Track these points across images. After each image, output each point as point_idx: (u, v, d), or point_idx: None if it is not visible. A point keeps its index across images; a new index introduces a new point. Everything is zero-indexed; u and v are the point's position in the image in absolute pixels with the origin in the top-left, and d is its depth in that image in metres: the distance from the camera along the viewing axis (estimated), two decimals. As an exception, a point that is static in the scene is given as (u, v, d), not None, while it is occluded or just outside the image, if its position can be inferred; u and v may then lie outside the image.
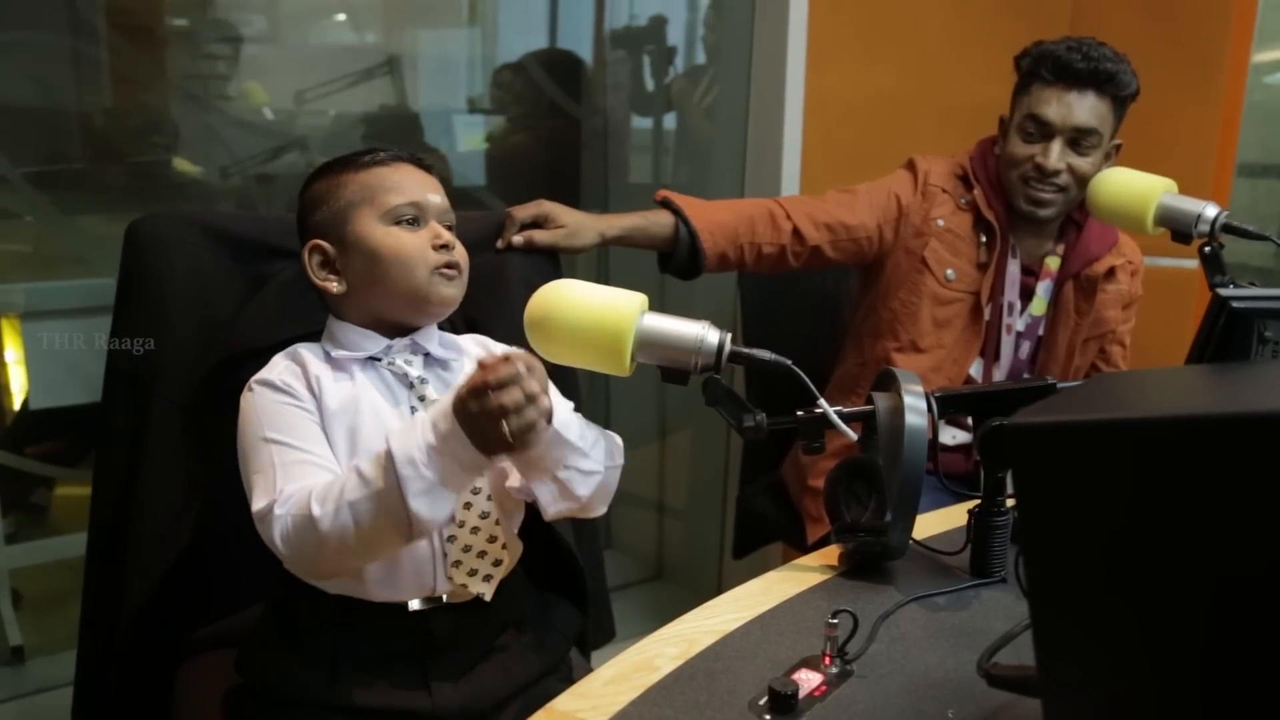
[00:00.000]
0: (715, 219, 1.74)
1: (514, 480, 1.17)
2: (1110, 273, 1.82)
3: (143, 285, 1.33)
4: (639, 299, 1.02)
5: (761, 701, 0.86)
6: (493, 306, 1.41)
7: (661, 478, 2.89)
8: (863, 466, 1.16)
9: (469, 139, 2.60)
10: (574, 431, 1.07)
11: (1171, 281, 2.31)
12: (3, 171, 1.94)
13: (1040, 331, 1.85)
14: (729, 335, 1.02)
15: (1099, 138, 1.71)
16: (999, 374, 1.83)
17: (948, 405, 1.14)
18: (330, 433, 1.10)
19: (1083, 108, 1.69)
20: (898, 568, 1.12)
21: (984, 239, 1.79)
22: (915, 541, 1.14)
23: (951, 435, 1.85)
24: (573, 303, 1.02)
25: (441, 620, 1.15)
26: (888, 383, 1.12)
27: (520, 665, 1.21)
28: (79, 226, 2.09)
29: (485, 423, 0.94)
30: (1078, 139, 1.71)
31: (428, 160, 1.21)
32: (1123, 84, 1.70)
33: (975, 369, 1.83)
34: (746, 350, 1.03)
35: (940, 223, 1.79)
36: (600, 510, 1.19)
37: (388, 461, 0.96)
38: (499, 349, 1.23)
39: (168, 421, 1.31)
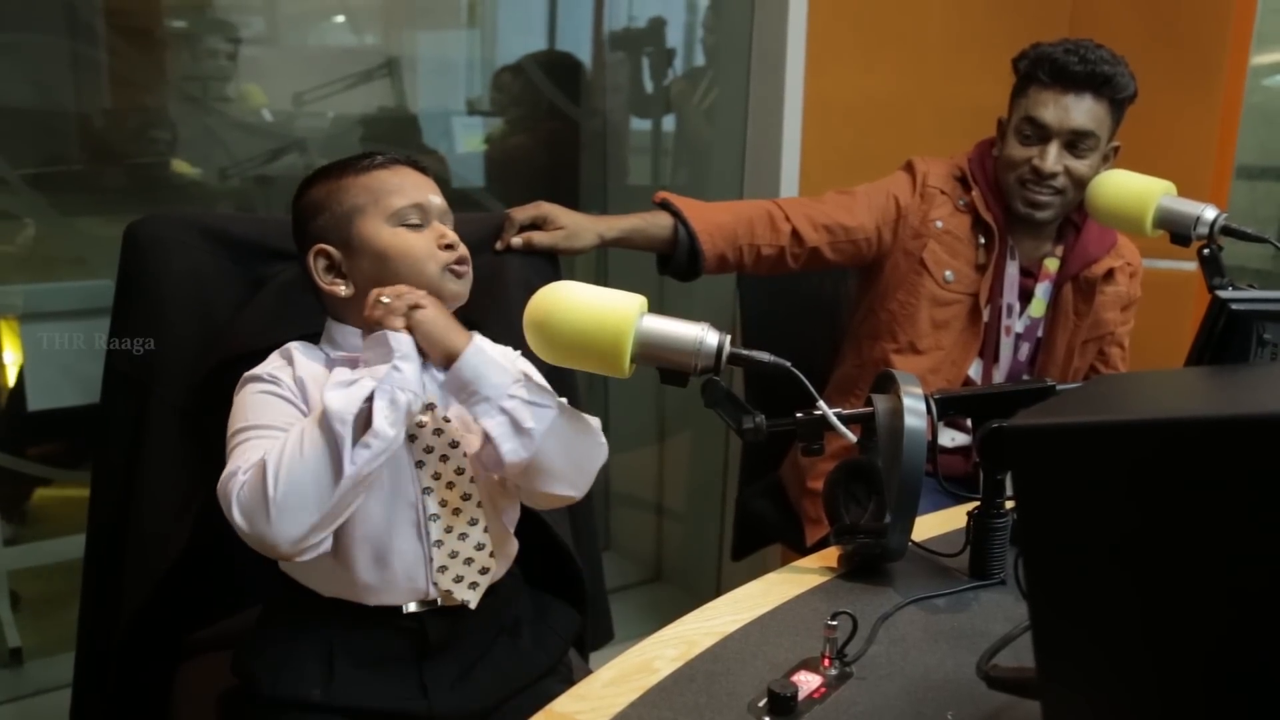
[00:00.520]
0: (714, 220, 1.74)
1: (475, 439, 1.13)
2: (1109, 274, 1.82)
3: (141, 287, 1.33)
4: (638, 301, 1.02)
5: (761, 703, 0.86)
6: (491, 308, 1.41)
7: (660, 479, 2.88)
8: (862, 468, 1.16)
9: (468, 141, 2.60)
10: (495, 367, 1.05)
11: (1170, 284, 2.32)
12: (1, 173, 1.93)
13: (1039, 333, 1.85)
14: (728, 337, 1.02)
15: (1096, 140, 1.71)
16: (998, 376, 1.83)
17: (947, 407, 1.14)
18: None
19: (1080, 110, 1.69)
20: (897, 569, 1.12)
21: (982, 240, 1.79)
22: (914, 543, 1.14)
23: (950, 437, 1.85)
24: (572, 305, 1.02)
25: (436, 623, 1.15)
26: (887, 385, 1.12)
27: (518, 666, 1.21)
28: (78, 228, 2.09)
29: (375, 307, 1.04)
30: (1075, 142, 1.71)
31: (423, 162, 1.22)
32: (1120, 86, 1.70)
33: (974, 370, 1.83)
34: (745, 352, 1.03)
35: (939, 224, 1.79)
36: (576, 484, 1.13)
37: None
38: (496, 347, 1.24)
39: (166, 423, 1.31)
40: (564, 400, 1.12)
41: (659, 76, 2.70)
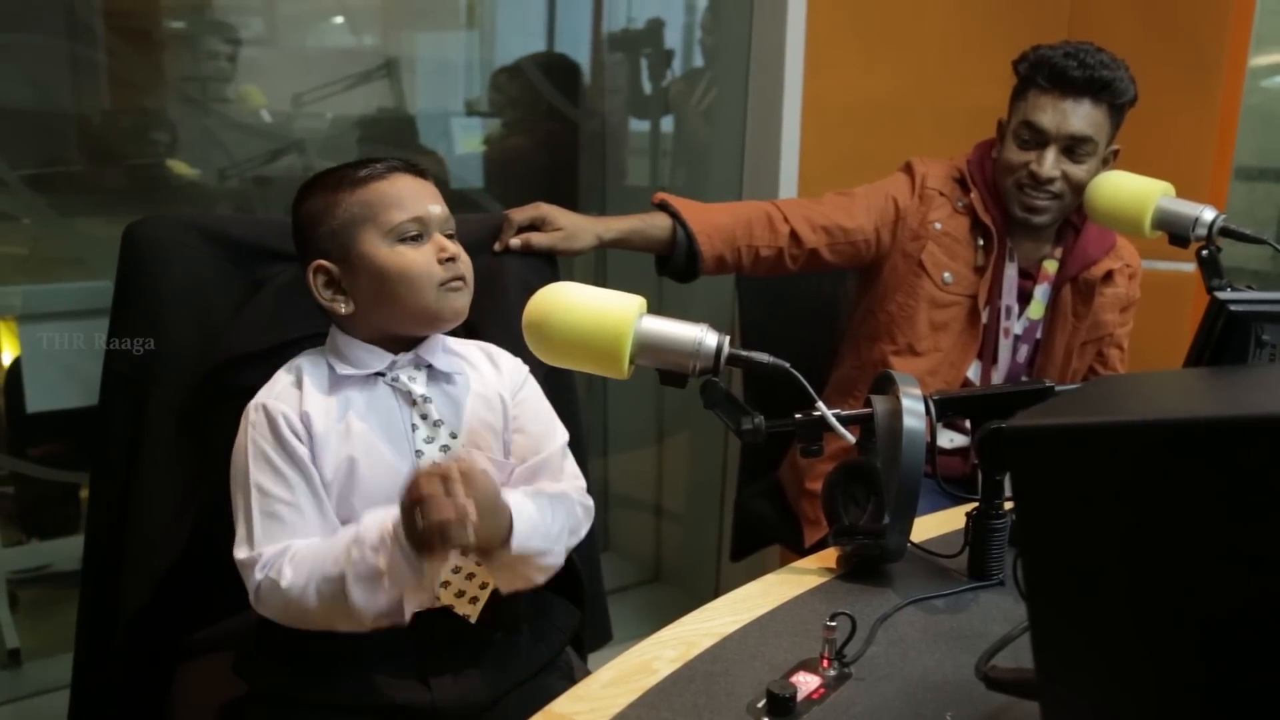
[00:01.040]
0: (712, 222, 1.74)
1: (482, 457, 1.16)
2: (1108, 276, 1.82)
3: (140, 288, 1.32)
4: (637, 302, 1.02)
5: (760, 704, 0.86)
6: (490, 309, 1.41)
7: (659, 480, 2.88)
8: (861, 469, 1.16)
9: (467, 142, 2.60)
10: (536, 534, 1.07)
11: (1169, 285, 2.32)
12: (1, 174, 1.93)
13: (1038, 335, 1.85)
14: (727, 338, 1.02)
15: (1094, 145, 1.71)
16: (996, 377, 1.83)
17: (946, 408, 1.14)
18: (320, 463, 1.10)
19: (1078, 116, 1.69)
20: (896, 570, 1.12)
21: (981, 242, 1.79)
22: (913, 544, 1.14)
23: (949, 438, 1.85)
24: (571, 305, 1.02)
25: (439, 622, 1.16)
26: (886, 386, 1.12)
27: (518, 661, 1.21)
28: (77, 229, 2.09)
29: (414, 530, 0.98)
30: (1073, 147, 1.71)
31: (422, 164, 1.21)
32: (1119, 91, 1.70)
33: (973, 372, 1.83)
34: (745, 353, 1.03)
35: (937, 226, 1.79)
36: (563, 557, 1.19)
37: (350, 543, 1.02)
38: (503, 357, 1.24)
39: (165, 424, 1.31)
40: (576, 502, 1.16)
41: (658, 78, 2.70)
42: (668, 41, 2.67)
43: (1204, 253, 1.48)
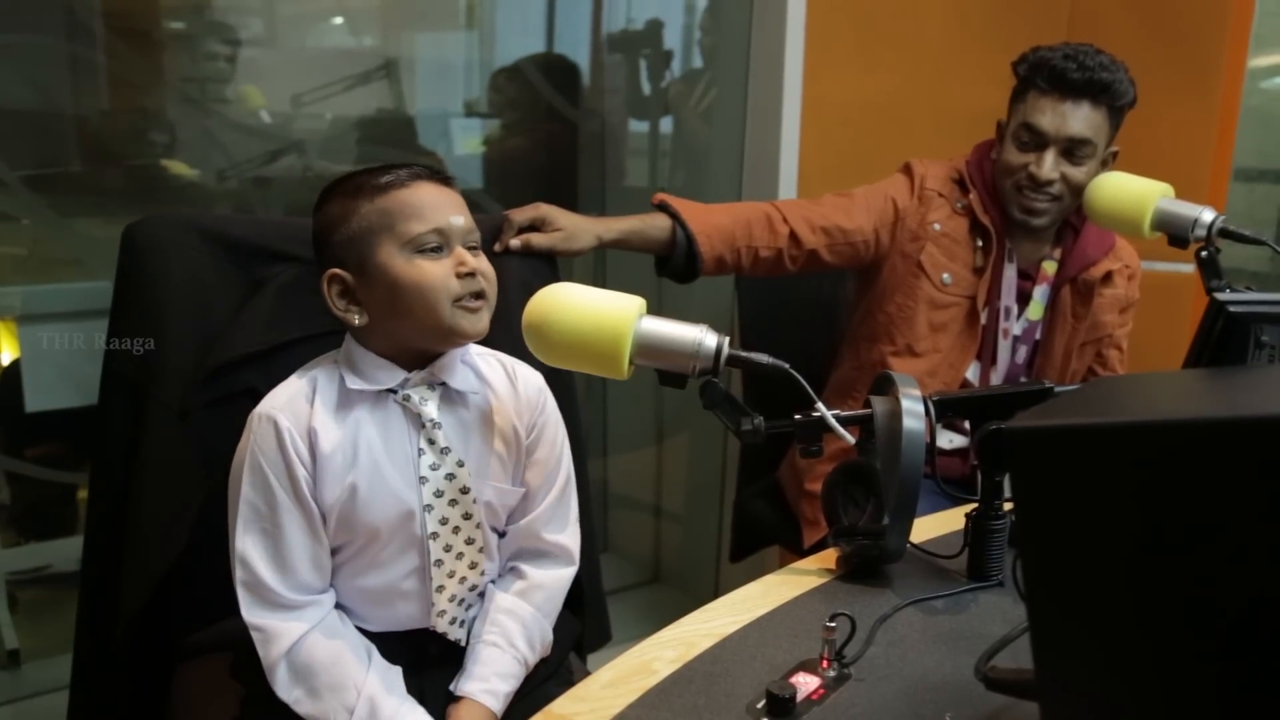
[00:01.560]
0: (712, 222, 1.74)
1: (488, 487, 1.17)
2: (1107, 277, 1.82)
3: (140, 288, 1.32)
4: (637, 302, 1.02)
5: (759, 705, 0.86)
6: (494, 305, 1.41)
7: (659, 481, 2.88)
8: (860, 470, 1.16)
9: (466, 142, 2.60)
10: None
11: (1168, 286, 2.32)
12: (0, 174, 1.93)
13: (1037, 335, 1.85)
14: (726, 339, 1.02)
15: (1094, 147, 1.71)
16: (996, 378, 1.83)
17: (945, 409, 1.15)
18: (321, 484, 1.09)
19: (1077, 118, 1.69)
20: (895, 571, 1.12)
21: (980, 243, 1.79)
22: (913, 545, 1.14)
23: (949, 439, 1.85)
24: (571, 306, 1.02)
25: (433, 639, 1.17)
26: (885, 387, 1.13)
27: None
28: (76, 229, 2.08)
29: None
30: (1072, 149, 1.71)
31: (446, 172, 1.15)
32: (1119, 93, 1.70)
33: (972, 373, 1.83)
34: (744, 354, 1.03)
35: (936, 227, 1.79)
36: None
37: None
38: (522, 376, 1.21)
39: (164, 425, 1.31)
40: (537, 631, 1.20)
41: (657, 78, 2.70)
42: (667, 42, 2.67)
43: (1203, 254, 1.48)
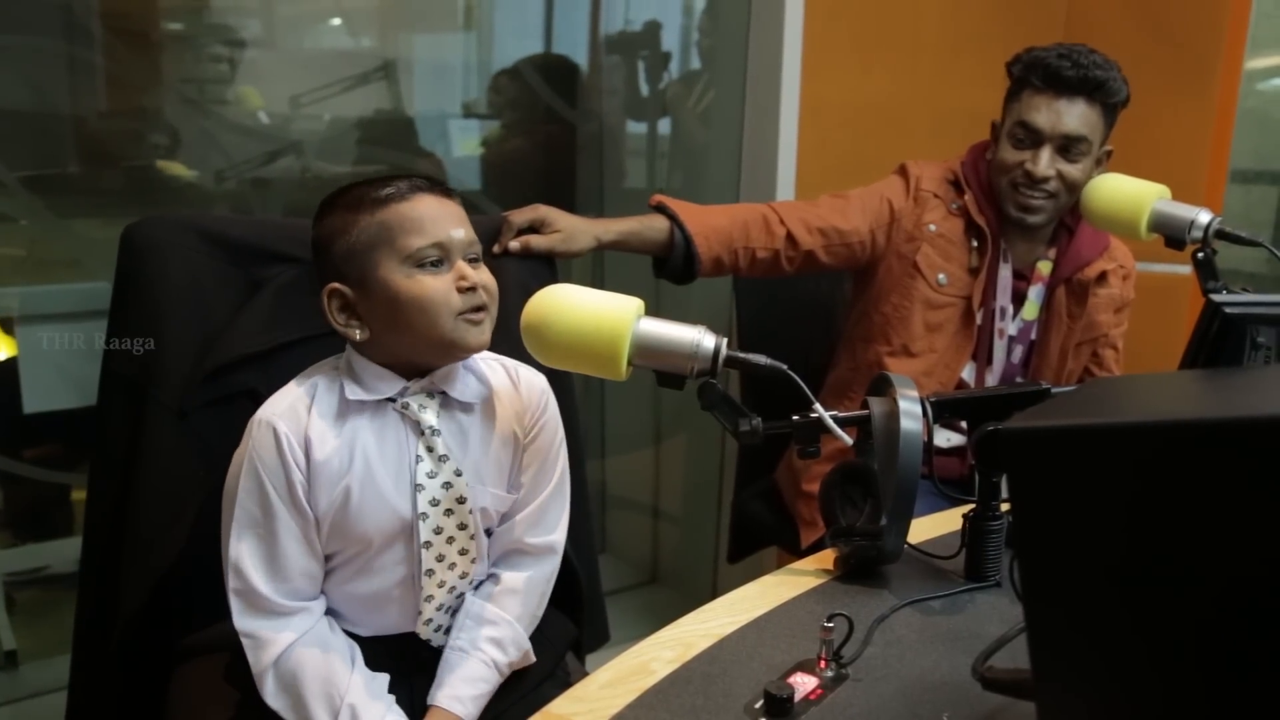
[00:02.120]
0: (710, 224, 1.74)
1: (483, 494, 1.17)
2: (1102, 277, 1.82)
3: (139, 289, 1.32)
4: (635, 304, 1.03)
5: (757, 705, 0.86)
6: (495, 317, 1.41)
7: (656, 482, 2.89)
8: (858, 471, 1.17)
9: (464, 144, 2.60)
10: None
11: (1164, 287, 2.32)
12: (-2, 175, 1.94)
13: (1033, 336, 1.85)
14: (725, 340, 1.02)
15: (1088, 145, 1.71)
16: (991, 378, 1.83)
17: (942, 410, 1.15)
18: (316, 491, 1.09)
19: (1072, 115, 1.70)
20: (893, 572, 1.13)
21: (975, 244, 1.80)
22: (910, 545, 1.14)
23: (946, 438, 1.86)
24: (569, 308, 1.02)
25: (425, 645, 1.18)
26: (882, 387, 1.13)
27: (512, 677, 1.21)
28: (74, 230, 2.08)
29: None
30: (1067, 146, 1.71)
31: (447, 184, 1.14)
32: (1112, 91, 1.70)
33: (967, 373, 1.84)
34: (742, 355, 1.03)
35: (932, 227, 1.80)
36: None
37: None
38: (525, 380, 1.20)
39: (163, 425, 1.31)
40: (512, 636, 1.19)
41: (655, 80, 2.70)
42: (665, 44, 2.67)
43: (1199, 255, 1.49)
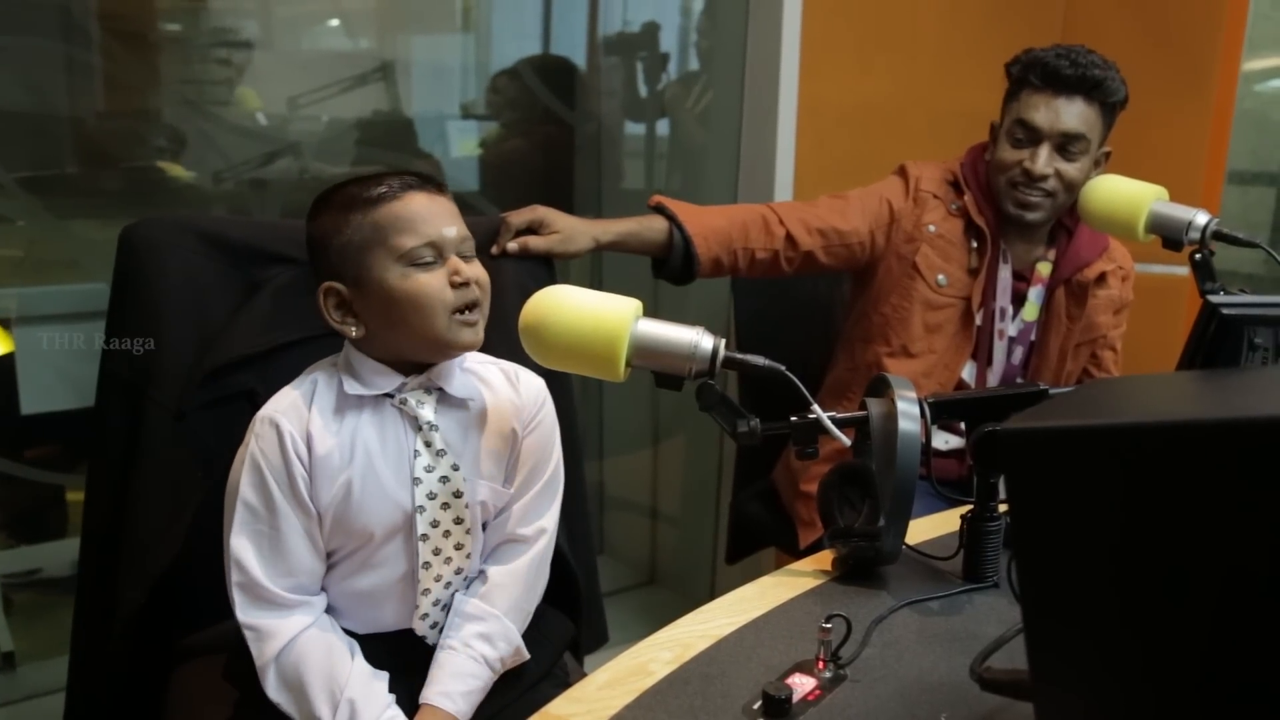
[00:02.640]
0: (709, 224, 1.74)
1: (482, 487, 1.17)
2: (1101, 278, 1.83)
3: (137, 290, 1.32)
4: (633, 305, 1.03)
5: (755, 706, 0.86)
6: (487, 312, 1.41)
7: (654, 483, 2.89)
8: (856, 471, 1.17)
9: (463, 145, 2.60)
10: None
11: (1162, 288, 2.32)
12: (-4, 176, 1.94)
13: (1032, 336, 1.85)
14: (723, 341, 1.02)
15: (1087, 144, 1.72)
16: (991, 379, 1.83)
17: (941, 411, 1.15)
18: (317, 487, 1.09)
19: (1070, 113, 1.70)
20: (891, 572, 1.13)
21: (975, 244, 1.80)
22: (908, 546, 1.14)
23: (944, 440, 1.86)
24: (567, 308, 1.02)
25: (422, 643, 1.17)
26: (881, 388, 1.13)
27: (510, 676, 1.21)
28: (72, 231, 2.08)
29: None
30: (1065, 144, 1.71)
31: (438, 179, 1.15)
32: (1110, 90, 1.71)
33: (967, 373, 1.84)
34: (740, 356, 1.03)
35: (931, 228, 1.80)
36: None
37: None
38: (524, 380, 1.22)
39: (161, 426, 1.31)
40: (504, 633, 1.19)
41: (653, 81, 2.70)
42: (663, 45, 2.67)
43: (1197, 256, 1.49)
